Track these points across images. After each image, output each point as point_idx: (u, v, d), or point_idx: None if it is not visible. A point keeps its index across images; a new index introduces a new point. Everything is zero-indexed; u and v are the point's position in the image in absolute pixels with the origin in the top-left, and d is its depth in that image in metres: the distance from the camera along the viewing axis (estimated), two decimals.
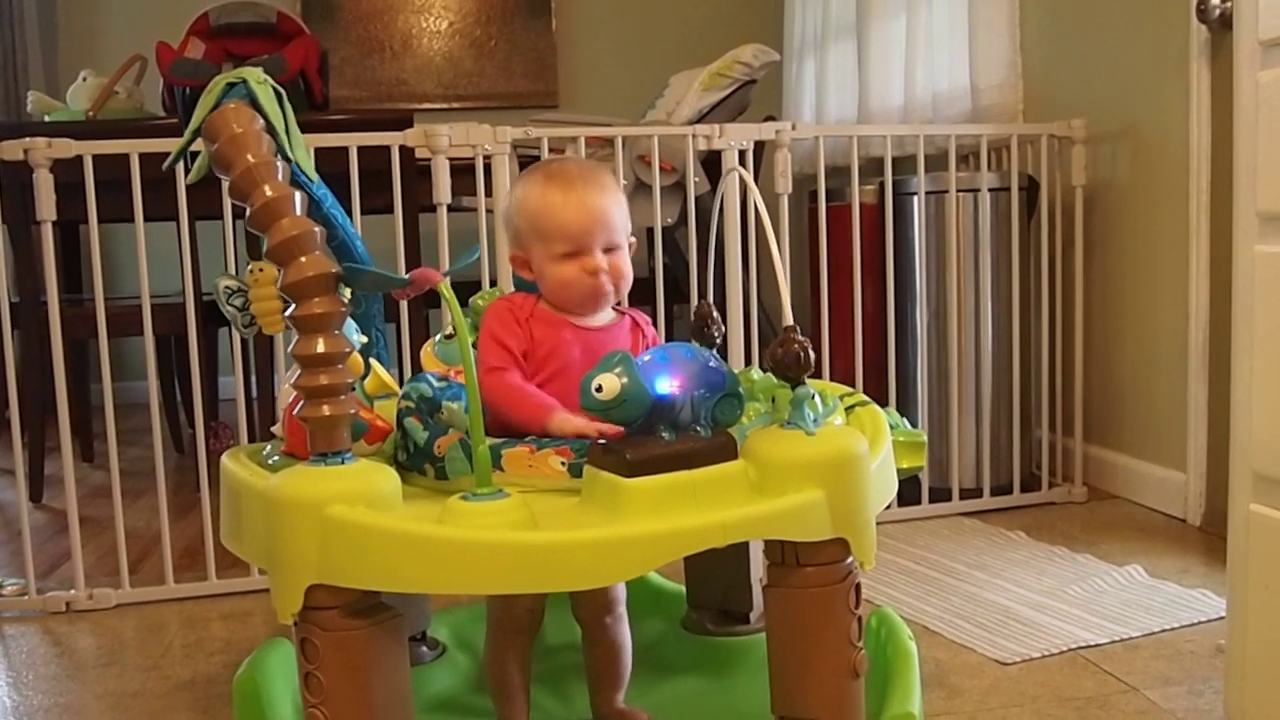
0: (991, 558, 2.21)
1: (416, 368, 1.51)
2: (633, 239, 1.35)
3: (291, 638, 1.11)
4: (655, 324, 2.38)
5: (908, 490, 2.54)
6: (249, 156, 1.04)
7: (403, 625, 1.08)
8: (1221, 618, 1.79)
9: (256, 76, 1.12)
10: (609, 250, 1.30)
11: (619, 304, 1.38)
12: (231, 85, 1.13)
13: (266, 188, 1.04)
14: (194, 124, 1.11)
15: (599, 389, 1.09)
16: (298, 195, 1.05)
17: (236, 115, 1.06)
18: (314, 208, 1.28)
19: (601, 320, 1.33)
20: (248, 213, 1.04)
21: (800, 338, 1.11)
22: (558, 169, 1.34)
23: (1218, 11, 2.23)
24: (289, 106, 1.16)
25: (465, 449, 1.20)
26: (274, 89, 1.14)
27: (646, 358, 1.13)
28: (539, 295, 1.33)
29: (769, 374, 1.31)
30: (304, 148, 1.25)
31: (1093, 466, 2.71)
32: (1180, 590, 1.97)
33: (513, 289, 1.46)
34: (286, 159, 1.09)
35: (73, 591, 2.10)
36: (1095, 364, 2.74)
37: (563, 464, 1.17)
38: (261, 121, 1.09)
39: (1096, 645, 1.74)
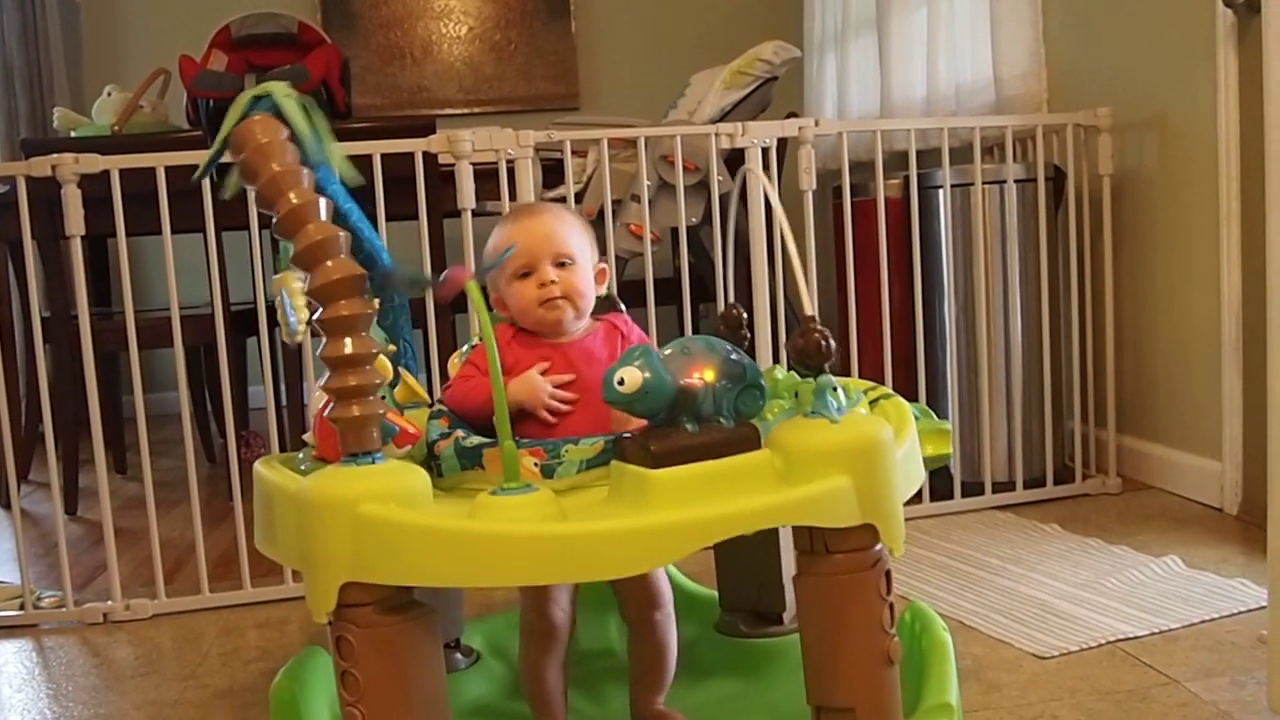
0: (1026, 551, 2.19)
1: (444, 376, 1.52)
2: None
3: (326, 644, 1.11)
4: (680, 322, 2.40)
5: (940, 485, 2.52)
6: (274, 165, 1.05)
7: (437, 621, 1.08)
8: (1262, 607, 1.78)
9: (282, 90, 1.13)
10: (561, 265, 1.36)
11: (610, 312, 1.43)
12: (257, 99, 1.14)
13: (291, 195, 1.04)
14: (221, 137, 1.12)
15: (620, 382, 1.09)
16: (322, 201, 1.06)
17: (262, 126, 1.07)
18: (341, 218, 1.29)
19: (576, 334, 1.39)
20: (273, 220, 1.05)
21: (820, 327, 1.12)
22: (516, 207, 1.45)
23: None
24: (319, 115, 1.18)
25: (458, 449, 1.27)
26: (300, 101, 1.15)
27: (668, 351, 1.13)
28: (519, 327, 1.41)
29: (792, 372, 1.31)
30: (340, 158, 1.26)
31: (1126, 457, 2.69)
32: (1219, 580, 1.95)
33: None
34: (311, 167, 1.10)
35: (110, 602, 2.12)
36: (1127, 354, 2.71)
37: (535, 464, 1.21)
38: (286, 132, 1.09)
39: (1135, 637, 1.72)
